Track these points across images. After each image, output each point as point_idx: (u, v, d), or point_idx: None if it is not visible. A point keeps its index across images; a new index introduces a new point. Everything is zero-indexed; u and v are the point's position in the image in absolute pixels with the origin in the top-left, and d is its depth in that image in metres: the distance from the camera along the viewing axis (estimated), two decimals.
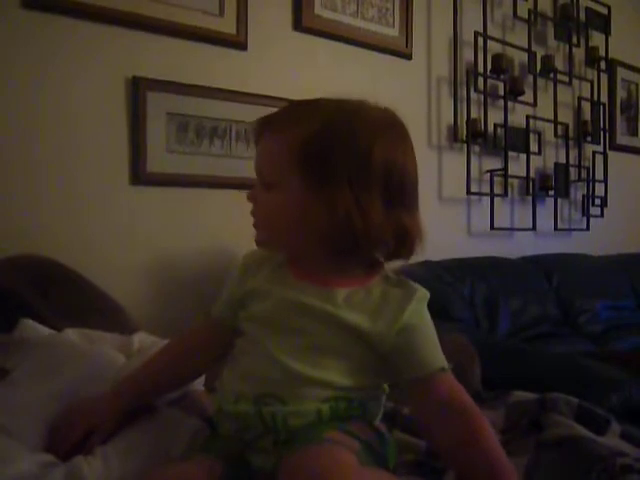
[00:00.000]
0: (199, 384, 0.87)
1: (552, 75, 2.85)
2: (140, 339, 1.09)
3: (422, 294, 0.78)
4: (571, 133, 2.98)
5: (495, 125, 2.62)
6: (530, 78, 2.78)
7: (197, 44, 1.80)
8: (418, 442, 0.84)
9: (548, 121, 2.84)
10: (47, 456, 0.73)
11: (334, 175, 0.71)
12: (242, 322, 0.81)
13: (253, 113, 1.12)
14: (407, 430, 0.88)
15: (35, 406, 0.80)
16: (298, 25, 2.03)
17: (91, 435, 0.78)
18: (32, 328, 1.09)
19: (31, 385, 0.83)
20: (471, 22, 2.54)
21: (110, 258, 1.64)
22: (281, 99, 1.83)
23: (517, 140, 2.69)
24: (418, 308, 0.76)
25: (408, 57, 2.36)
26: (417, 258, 2.45)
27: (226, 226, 1.78)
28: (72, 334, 1.03)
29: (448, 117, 2.51)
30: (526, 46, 2.73)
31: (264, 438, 0.73)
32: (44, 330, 1.12)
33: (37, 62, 1.53)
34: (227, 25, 1.85)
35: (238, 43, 1.88)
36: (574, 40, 2.98)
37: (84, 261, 1.47)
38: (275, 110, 0.82)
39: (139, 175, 1.69)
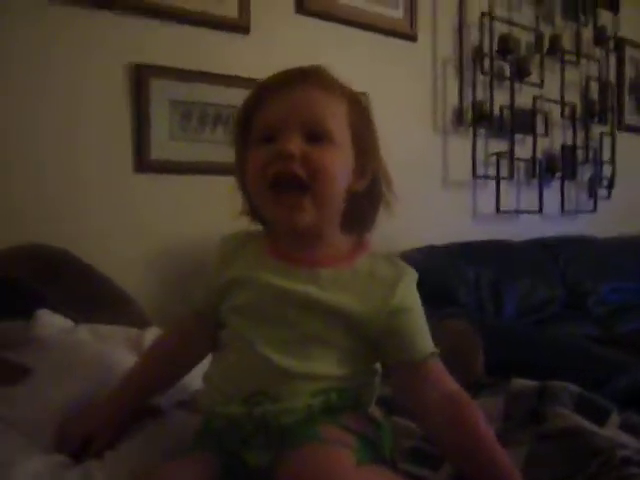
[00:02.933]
0: None
1: (559, 55, 2.81)
2: (152, 335, 1.08)
3: (412, 274, 0.76)
4: (578, 114, 2.95)
5: (501, 107, 2.59)
6: (537, 58, 2.74)
7: (200, 29, 1.79)
8: (415, 427, 0.84)
9: (555, 102, 2.82)
10: (60, 457, 0.74)
11: (367, 144, 0.76)
12: (225, 314, 0.78)
13: None
14: (404, 414, 0.88)
15: (52, 408, 0.81)
16: (301, 8, 2.01)
17: (91, 440, 0.78)
18: (49, 319, 1.10)
19: (46, 388, 0.84)
20: (477, 2, 2.50)
21: (115, 246, 1.65)
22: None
23: (523, 122, 2.67)
24: (409, 289, 0.75)
25: (413, 39, 2.34)
26: (422, 242, 2.43)
27: (232, 212, 1.78)
28: (83, 332, 1.04)
29: (453, 100, 2.49)
30: (533, 26, 2.70)
31: (257, 437, 0.71)
32: (60, 321, 1.13)
33: (40, 49, 1.52)
34: (229, 9, 1.83)
35: (241, 27, 1.86)
36: (582, 19, 2.93)
37: (88, 250, 1.47)
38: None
39: (143, 162, 1.69)
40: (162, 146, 1.72)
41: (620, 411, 0.90)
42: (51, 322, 1.05)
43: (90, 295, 1.35)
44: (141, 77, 1.67)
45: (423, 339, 0.74)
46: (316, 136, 0.71)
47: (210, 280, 0.80)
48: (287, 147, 0.69)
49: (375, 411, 0.78)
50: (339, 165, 0.73)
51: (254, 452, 0.71)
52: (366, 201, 0.78)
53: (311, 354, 0.72)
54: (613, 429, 0.83)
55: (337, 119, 0.73)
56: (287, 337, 0.72)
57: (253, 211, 0.80)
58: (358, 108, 0.77)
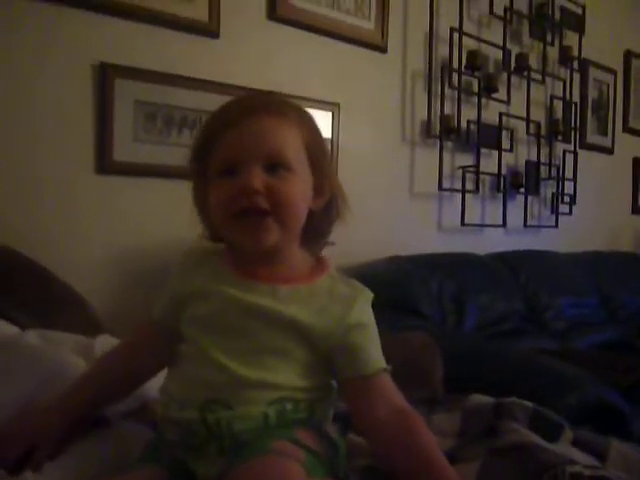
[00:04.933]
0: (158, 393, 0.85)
1: (526, 73, 2.87)
2: (102, 343, 1.06)
3: (368, 294, 0.79)
4: (543, 131, 3.01)
5: (468, 121, 2.63)
6: (504, 75, 2.79)
7: (168, 31, 1.76)
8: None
9: (521, 119, 2.87)
10: None
11: (322, 163, 0.79)
12: (183, 325, 0.78)
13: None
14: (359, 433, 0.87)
15: None
16: (272, 14, 2.00)
17: (35, 449, 0.75)
18: None
19: None
20: (447, 18, 2.53)
21: (74, 249, 1.61)
22: (253, 90, 1.80)
23: (490, 137, 2.71)
24: (365, 308, 0.77)
25: (383, 50, 2.35)
26: (386, 253, 2.44)
27: (195, 218, 1.75)
28: (31, 336, 1.00)
29: (422, 112, 2.51)
30: (501, 43, 2.75)
31: (209, 445, 0.71)
32: (6, 327, 1.09)
33: (1, 44, 1.48)
34: (199, 12, 1.82)
35: (210, 31, 1.84)
36: (548, 39, 3.00)
37: (46, 252, 1.44)
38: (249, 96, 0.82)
39: (105, 164, 1.66)
40: (125, 148, 1.68)
41: (574, 427, 0.91)
42: None
43: (45, 299, 1.31)
44: (106, 76, 1.64)
45: (375, 355, 0.76)
46: (276, 166, 0.73)
47: (169, 291, 0.82)
48: (251, 183, 0.71)
49: (331, 430, 0.79)
50: (300, 192, 0.76)
51: (204, 462, 0.71)
52: (324, 217, 0.81)
53: (267, 364, 0.73)
54: (566, 445, 0.84)
55: (294, 146, 0.75)
56: (244, 347, 0.73)
57: (213, 234, 0.82)
58: (311, 129, 0.80)
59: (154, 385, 0.86)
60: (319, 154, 0.79)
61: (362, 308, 0.77)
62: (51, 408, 0.80)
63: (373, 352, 0.76)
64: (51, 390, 0.84)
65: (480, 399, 0.96)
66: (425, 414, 0.87)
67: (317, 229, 0.81)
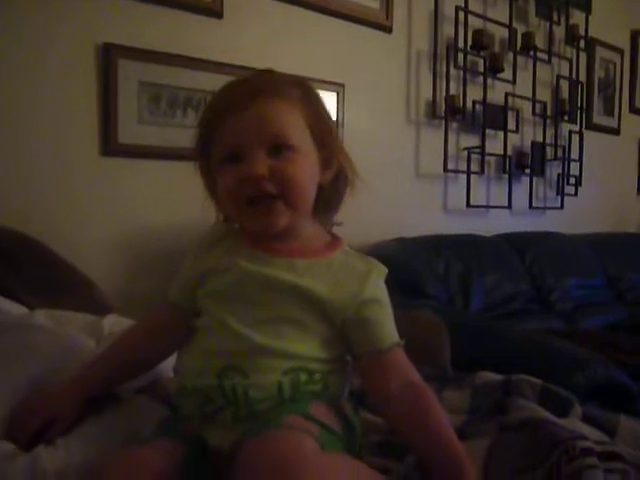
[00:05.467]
0: (169, 370, 0.86)
1: (532, 53, 2.84)
2: (111, 322, 1.06)
3: (382, 269, 0.80)
4: (549, 111, 2.98)
5: (474, 102, 2.61)
6: (510, 55, 2.76)
7: (172, 11, 1.75)
8: (384, 422, 0.84)
9: (526, 99, 2.84)
10: (8, 445, 0.71)
11: (327, 137, 0.79)
12: (201, 300, 0.79)
13: None
14: (374, 410, 0.88)
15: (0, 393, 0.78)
16: None
17: (51, 425, 0.76)
18: (2, 306, 1.06)
19: None
20: None
21: (79, 231, 1.61)
22: (257, 70, 1.79)
23: (495, 118, 2.69)
24: (379, 283, 0.79)
25: (388, 30, 2.33)
26: (392, 234, 2.44)
27: (199, 199, 1.75)
28: (41, 316, 1.01)
29: (427, 92, 2.49)
30: (507, 22, 2.71)
31: (224, 412, 0.72)
32: (15, 307, 1.10)
33: (6, 26, 1.47)
34: None
35: (214, 11, 1.83)
36: (555, 17, 2.96)
37: (51, 234, 1.44)
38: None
39: (110, 146, 1.65)
40: (130, 130, 1.68)
41: (582, 404, 0.91)
42: (4, 309, 1.02)
43: (52, 281, 1.31)
44: (110, 57, 1.62)
45: (389, 329, 0.78)
46: (280, 149, 0.74)
47: (185, 273, 0.83)
48: (256, 170, 0.72)
49: (346, 407, 0.79)
50: (307, 172, 0.76)
51: (218, 431, 0.72)
52: (334, 189, 0.82)
53: (284, 333, 0.74)
54: (575, 421, 0.84)
55: (296, 125, 0.76)
56: (262, 317, 0.74)
57: (227, 217, 0.83)
58: (313, 104, 0.79)
59: (164, 363, 0.87)
60: (323, 128, 0.79)
61: (376, 283, 0.78)
62: (67, 387, 0.80)
63: (387, 327, 0.77)
64: (62, 370, 0.84)
65: (489, 376, 0.97)
66: (436, 391, 0.87)
67: (328, 201, 0.82)
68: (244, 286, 0.76)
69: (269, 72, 0.81)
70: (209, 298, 0.78)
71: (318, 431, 0.67)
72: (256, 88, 0.75)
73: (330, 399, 0.76)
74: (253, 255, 0.77)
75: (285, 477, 0.56)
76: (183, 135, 1.76)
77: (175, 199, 1.75)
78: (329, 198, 0.82)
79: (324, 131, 0.79)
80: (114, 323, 1.06)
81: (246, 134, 0.73)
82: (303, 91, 0.79)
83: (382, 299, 0.78)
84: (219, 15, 1.84)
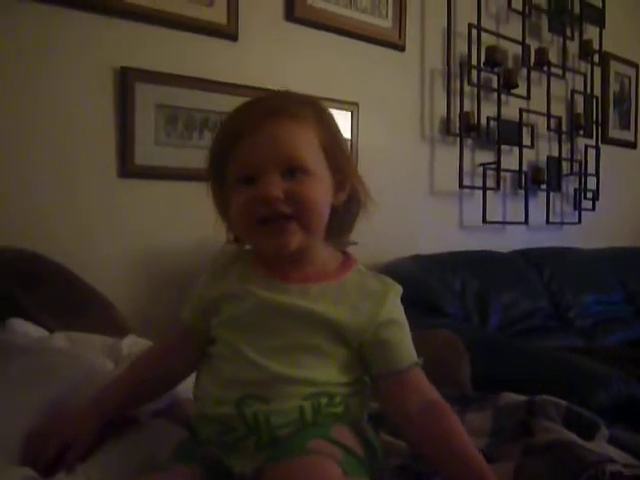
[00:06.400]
0: (188, 392, 0.86)
1: (546, 68, 2.83)
2: (130, 344, 1.06)
3: (398, 289, 0.79)
4: (564, 126, 2.97)
5: (488, 118, 2.60)
6: (524, 71, 2.76)
7: (187, 34, 1.77)
8: (404, 445, 0.83)
9: (541, 114, 2.84)
10: (28, 471, 0.70)
11: (340, 159, 0.78)
12: (216, 327, 0.79)
13: None
14: (393, 432, 0.87)
15: (19, 417, 0.77)
16: (290, 15, 2.00)
17: (69, 449, 0.76)
18: (21, 328, 1.07)
19: (15, 394, 0.81)
20: (465, 14, 2.51)
21: (99, 252, 1.62)
22: (272, 90, 1.80)
23: (510, 133, 2.68)
24: (395, 302, 0.78)
25: (401, 49, 2.34)
26: (408, 252, 2.42)
27: (217, 220, 1.76)
28: (60, 339, 1.01)
29: (441, 110, 2.49)
30: (520, 39, 2.71)
31: (246, 440, 0.72)
32: (33, 330, 1.10)
33: (25, 53, 1.50)
34: (217, 15, 1.82)
35: (229, 33, 1.85)
36: (568, 33, 2.96)
37: (72, 255, 1.45)
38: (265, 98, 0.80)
39: (127, 168, 1.67)
40: (147, 151, 1.69)
41: (608, 426, 0.89)
42: (23, 331, 1.02)
43: (71, 301, 1.32)
44: (127, 80, 1.65)
45: (407, 349, 0.77)
46: (294, 171, 0.73)
47: (198, 296, 0.82)
48: (271, 192, 0.71)
49: (367, 428, 0.79)
50: (320, 194, 0.75)
51: (240, 458, 0.72)
52: (347, 211, 0.81)
53: (302, 361, 0.74)
54: (602, 443, 0.82)
55: (311, 147, 0.75)
56: (279, 345, 0.74)
57: (237, 239, 0.83)
58: (327, 126, 0.79)
59: (183, 385, 0.86)
60: (337, 150, 0.79)
61: (393, 303, 0.77)
62: (84, 411, 0.80)
63: (405, 346, 0.77)
64: (81, 393, 0.84)
65: (511, 397, 0.95)
66: (458, 413, 0.86)
67: (341, 223, 0.81)
68: (259, 315, 0.75)
69: (284, 93, 0.81)
70: (224, 326, 0.78)
71: (342, 455, 0.66)
72: (271, 109, 0.75)
73: (351, 421, 0.76)
74: (267, 282, 0.76)
75: None
76: (199, 156, 1.75)
77: (192, 219, 1.75)
78: (342, 220, 0.81)
79: (338, 153, 0.79)
80: (132, 344, 1.06)
81: (261, 156, 0.73)
82: (318, 113, 0.78)
83: (399, 319, 0.78)
84: (234, 37, 1.86)
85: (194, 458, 0.73)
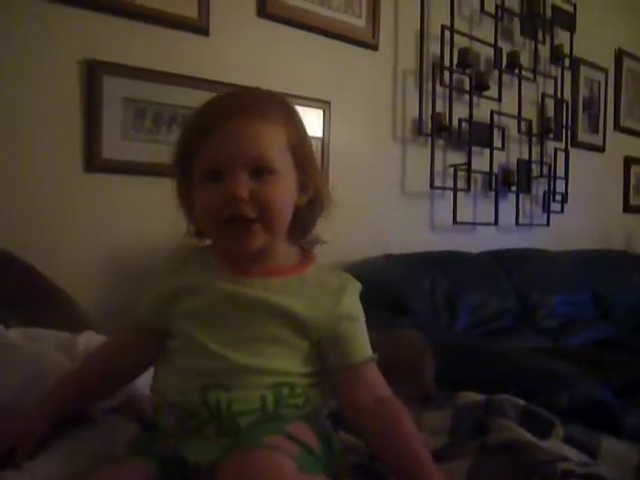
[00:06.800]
0: (143, 388, 0.84)
1: (517, 71, 2.87)
2: (87, 339, 1.04)
3: (356, 285, 0.81)
4: (534, 129, 3.01)
5: (460, 119, 2.62)
6: (495, 73, 2.79)
7: (157, 28, 1.75)
8: (362, 444, 0.83)
9: (512, 117, 2.86)
10: None
11: (306, 161, 0.79)
12: (174, 320, 0.79)
13: None
14: (352, 431, 0.87)
15: None
16: (262, 11, 1.99)
17: (16, 449, 0.74)
18: None
19: None
20: (438, 15, 2.52)
21: (62, 247, 1.59)
22: (243, 87, 1.79)
23: (481, 135, 2.70)
24: (353, 298, 0.80)
25: (374, 48, 2.34)
26: (379, 251, 2.42)
27: (183, 217, 1.74)
28: (15, 334, 0.99)
29: (413, 110, 2.50)
30: (492, 41, 2.74)
31: (208, 425, 0.72)
32: None
33: None
34: (188, 9, 1.80)
35: (200, 28, 1.83)
36: (540, 37, 3.00)
37: (33, 250, 1.42)
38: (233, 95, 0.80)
39: (93, 162, 1.64)
40: (114, 146, 1.67)
41: (565, 424, 0.90)
42: None
43: (29, 297, 1.29)
44: (94, 73, 1.62)
45: (362, 344, 0.79)
46: (261, 172, 0.73)
47: (155, 290, 0.82)
48: (237, 192, 0.71)
49: (325, 425, 0.80)
50: (286, 195, 0.76)
51: (198, 448, 0.72)
52: (309, 212, 0.82)
53: (262, 351, 0.75)
54: (557, 442, 0.83)
55: (278, 147, 0.76)
56: (240, 337, 0.75)
57: (199, 232, 0.82)
58: (295, 127, 0.79)
59: (138, 381, 0.85)
60: (304, 152, 0.79)
61: (351, 299, 0.79)
62: (33, 410, 0.79)
63: (361, 342, 0.79)
64: (33, 390, 0.83)
65: (470, 396, 0.96)
66: (415, 412, 0.86)
67: (302, 223, 0.82)
68: (219, 306, 0.76)
69: (254, 90, 0.81)
70: (184, 318, 0.78)
71: (298, 451, 0.67)
72: (240, 106, 0.75)
73: (310, 417, 0.76)
74: (228, 276, 0.77)
75: None
76: (167, 152, 1.74)
77: (160, 215, 1.73)
78: (304, 220, 0.82)
79: (304, 155, 0.79)
80: (89, 340, 1.04)
81: (229, 153, 0.73)
82: (287, 113, 0.79)
83: (357, 315, 0.79)
84: (205, 32, 1.84)
85: (149, 452, 0.73)
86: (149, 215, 1.74)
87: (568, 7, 3.15)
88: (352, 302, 0.79)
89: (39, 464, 0.72)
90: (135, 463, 0.71)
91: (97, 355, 0.87)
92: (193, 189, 0.76)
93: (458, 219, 2.63)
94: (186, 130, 0.79)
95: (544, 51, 3.06)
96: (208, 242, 0.82)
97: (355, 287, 0.80)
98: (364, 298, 0.81)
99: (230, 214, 0.72)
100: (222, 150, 0.73)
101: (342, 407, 0.80)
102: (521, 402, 0.90)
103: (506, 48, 2.84)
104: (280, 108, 0.78)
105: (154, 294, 0.82)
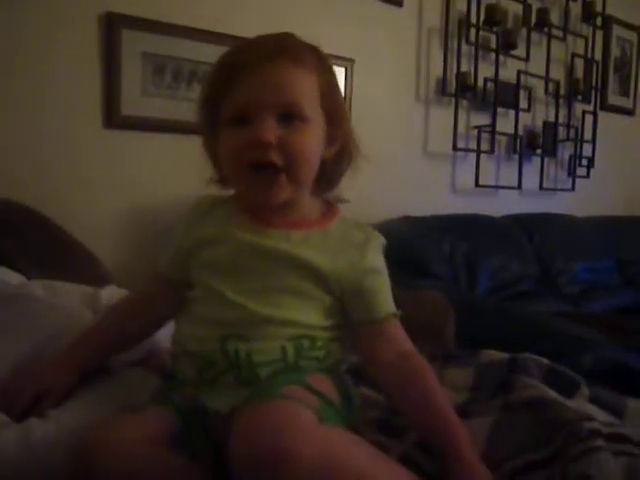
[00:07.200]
0: (165, 342, 0.85)
1: (546, 29, 2.77)
2: (109, 294, 1.05)
3: (381, 239, 0.80)
4: (562, 91, 2.92)
5: (485, 79, 2.55)
6: (524, 32, 2.70)
7: None
8: (383, 399, 0.83)
9: (539, 77, 2.78)
10: (1, 416, 0.70)
11: (336, 112, 0.77)
12: (194, 271, 0.79)
13: None
14: (373, 386, 0.86)
15: None
16: None
17: (43, 398, 0.75)
18: (1, 276, 1.05)
19: None
20: None
21: (81, 203, 1.59)
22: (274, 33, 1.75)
23: (507, 96, 2.63)
24: (377, 252, 0.78)
25: (399, 4, 2.27)
26: (399, 213, 2.40)
27: (203, 174, 1.72)
28: (36, 287, 1.00)
29: (437, 69, 2.44)
30: None
31: (227, 374, 0.72)
32: (14, 277, 1.09)
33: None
34: None
35: None
36: None
37: (53, 206, 1.42)
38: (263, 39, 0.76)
39: (113, 118, 1.62)
40: (133, 102, 1.65)
41: (590, 385, 0.89)
42: (4, 276, 1.00)
43: (53, 252, 1.31)
44: (113, 27, 1.59)
45: (386, 300, 0.78)
46: (291, 117, 0.71)
47: (176, 242, 0.82)
48: (264, 136, 0.69)
49: (345, 379, 0.80)
50: (314, 144, 0.74)
51: (218, 396, 0.72)
52: (336, 165, 0.80)
53: (284, 303, 0.74)
54: (582, 401, 0.82)
55: (309, 95, 0.73)
56: (260, 287, 0.74)
57: (223, 179, 0.80)
58: (328, 76, 0.77)
59: (160, 335, 0.85)
60: (334, 101, 0.78)
61: (375, 253, 0.78)
62: (59, 362, 0.80)
63: (385, 297, 0.78)
64: (57, 343, 0.83)
65: (494, 354, 0.95)
66: (438, 369, 0.85)
67: (328, 177, 0.80)
68: (240, 257, 0.75)
69: (287, 34, 0.77)
70: (204, 269, 0.77)
71: (317, 402, 0.66)
72: (276, 49, 0.72)
73: (331, 369, 0.76)
74: (249, 226, 0.76)
75: (279, 448, 0.55)
76: (187, 108, 1.72)
77: (178, 172, 1.72)
78: (330, 174, 0.80)
79: (335, 105, 0.78)
80: (112, 294, 1.05)
81: (258, 97, 0.70)
82: (322, 61, 0.76)
83: (381, 269, 0.78)
84: None
85: (168, 401, 0.74)
86: (168, 172, 1.72)
87: None
88: (376, 256, 0.78)
89: (64, 412, 0.73)
90: (155, 411, 0.72)
91: (121, 308, 0.87)
92: (218, 134, 0.74)
93: (480, 182, 2.58)
94: (214, 72, 0.76)
95: (575, 8, 2.94)
96: (230, 192, 0.81)
97: (380, 242, 0.79)
98: (385, 258, 0.80)
99: (256, 159, 0.70)
100: (252, 94, 0.70)
101: (365, 361, 0.80)
102: (545, 361, 0.89)
103: (535, 5, 2.73)
104: (315, 55, 0.76)
105: (175, 247, 0.82)
